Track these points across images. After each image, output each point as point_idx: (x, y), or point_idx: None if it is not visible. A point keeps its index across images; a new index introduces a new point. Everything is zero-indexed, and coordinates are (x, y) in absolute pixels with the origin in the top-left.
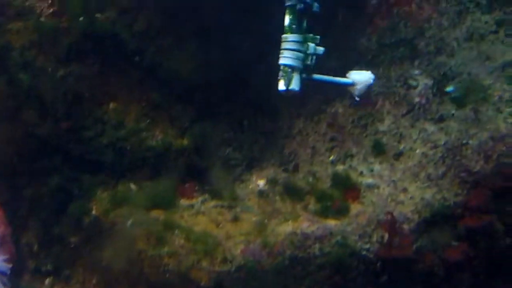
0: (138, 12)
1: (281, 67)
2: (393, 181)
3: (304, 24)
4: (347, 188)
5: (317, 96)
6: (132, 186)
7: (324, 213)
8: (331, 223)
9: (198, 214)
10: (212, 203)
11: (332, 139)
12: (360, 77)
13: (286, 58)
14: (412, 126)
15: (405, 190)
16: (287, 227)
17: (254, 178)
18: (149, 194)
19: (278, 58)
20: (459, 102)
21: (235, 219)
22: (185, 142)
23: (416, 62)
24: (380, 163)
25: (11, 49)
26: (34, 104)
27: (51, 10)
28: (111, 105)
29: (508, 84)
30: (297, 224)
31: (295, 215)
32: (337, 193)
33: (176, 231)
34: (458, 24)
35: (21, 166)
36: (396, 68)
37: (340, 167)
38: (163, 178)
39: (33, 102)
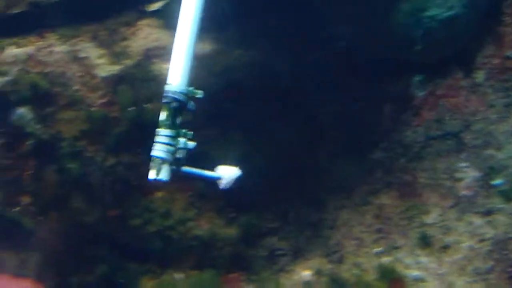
0: None
1: (152, 158)
2: (440, 274)
3: (178, 120)
4: (392, 280)
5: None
6: (178, 275)
7: None
8: None
9: None
10: None
11: (378, 231)
12: (227, 172)
13: (157, 150)
14: (459, 218)
15: (452, 284)
16: None
17: (299, 268)
18: (195, 283)
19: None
20: (506, 195)
21: None
22: (231, 231)
23: (463, 155)
24: (427, 255)
25: (62, 139)
26: (83, 193)
27: (102, 100)
28: (159, 194)
29: None
30: None
31: None
32: (382, 285)
33: None
34: (506, 117)
35: (68, 254)
36: (443, 161)
37: (385, 259)
38: (208, 268)
39: (81, 190)
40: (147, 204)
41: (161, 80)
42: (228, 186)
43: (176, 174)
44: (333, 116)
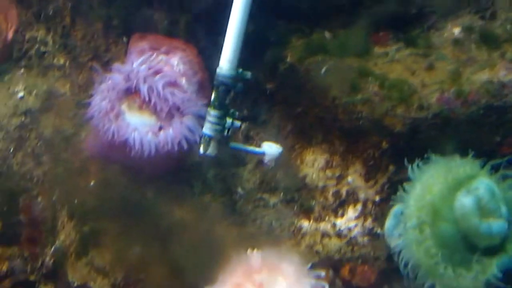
0: None
1: (203, 135)
2: None
3: (227, 101)
4: None
5: None
6: (327, 34)
7: None
8: None
9: (393, 62)
10: (407, 51)
11: None
12: (270, 149)
13: (207, 128)
14: None
15: None
16: (483, 76)
17: (449, 26)
18: (343, 42)
19: None
20: None
21: (430, 67)
22: None
23: None
24: None
25: None
26: None
27: None
28: None
29: None
30: (493, 73)
31: (491, 63)
32: None
33: (370, 78)
34: None
35: (217, 16)
36: None
37: None
38: (357, 26)
39: None
40: None
41: None
42: (270, 161)
43: (223, 150)
44: None
